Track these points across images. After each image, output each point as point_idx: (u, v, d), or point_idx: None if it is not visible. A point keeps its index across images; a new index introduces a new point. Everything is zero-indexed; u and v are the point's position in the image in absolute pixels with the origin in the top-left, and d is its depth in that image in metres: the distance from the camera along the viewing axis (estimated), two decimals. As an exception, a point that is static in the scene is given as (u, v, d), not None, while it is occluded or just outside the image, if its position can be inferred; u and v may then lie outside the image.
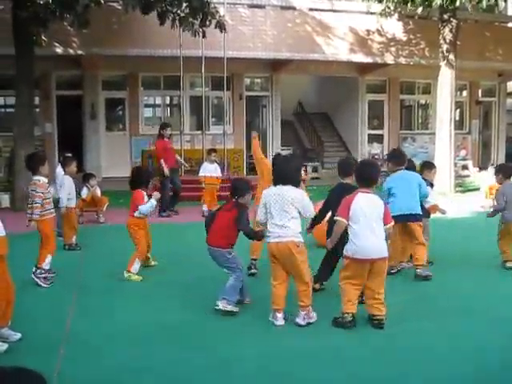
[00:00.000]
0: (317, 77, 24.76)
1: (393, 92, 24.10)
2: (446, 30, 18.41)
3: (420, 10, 18.37)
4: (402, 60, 21.43)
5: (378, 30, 20.78)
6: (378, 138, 24.24)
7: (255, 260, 8.13)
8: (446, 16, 18.34)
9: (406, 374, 4.86)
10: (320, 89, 26.21)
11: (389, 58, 21.27)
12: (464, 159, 24.08)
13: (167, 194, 14.23)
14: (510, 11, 23.80)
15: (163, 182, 14.15)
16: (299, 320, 5.98)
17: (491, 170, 16.07)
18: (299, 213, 5.98)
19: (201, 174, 14.16)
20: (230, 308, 6.31)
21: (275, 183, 6.10)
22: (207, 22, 15.60)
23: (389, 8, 19.05)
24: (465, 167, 23.86)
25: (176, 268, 8.63)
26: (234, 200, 6.67)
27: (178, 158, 15.53)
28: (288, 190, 5.97)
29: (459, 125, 24.31)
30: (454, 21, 18.35)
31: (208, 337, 5.74)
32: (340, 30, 20.48)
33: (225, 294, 6.37)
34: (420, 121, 25.64)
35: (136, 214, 8.25)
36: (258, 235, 6.61)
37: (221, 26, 15.97)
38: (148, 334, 5.83)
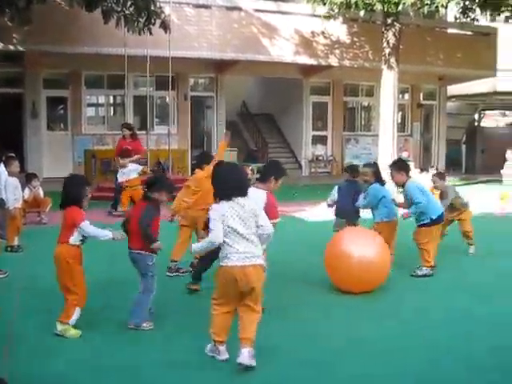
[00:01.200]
0: (262, 78, 24.82)
1: (337, 94, 24.38)
2: (389, 33, 18.67)
3: (362, 13, 18.62)
4: (346, 62, 21.70)
5: (322, 33, 20.98)
6: (322, 140, 24.49)
7: (175, 262, 8.05)
8: (389, 20, 18.60)
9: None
10: (265, 90, 26.28)
11: (333, 61, 21.50)
12: (406, 161, 24.44)
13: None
14: (450, 17, 24.27)
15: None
16: (250, 360, 4.91)
17: (432, 172, 16.38)
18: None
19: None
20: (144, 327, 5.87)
21: (231, 195, 5.03)
22: (152, 21, 15.44)
23: (333, 11, 19.22)
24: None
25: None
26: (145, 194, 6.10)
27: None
28: (249, 202, 5.11)
29: (401, 127, 24.78)
30: (397, 25, 18.62)
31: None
32: (285, 31, 20.57)
33: (134, 315, 5.91)
34: (363, 123, 25.99)
35: (72, 239, 5.76)
36: (151, 240, 5.83)
37: (165, 26, 15.84)
38: (98, 331, 5.73)
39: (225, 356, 5.11)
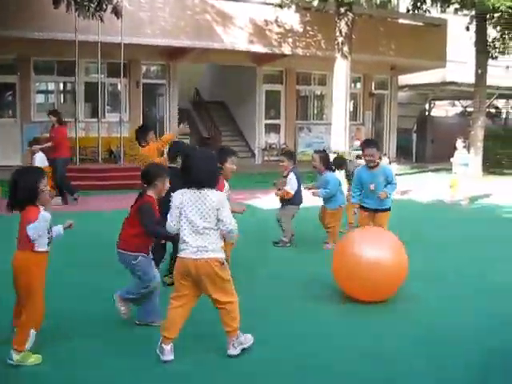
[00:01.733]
0: (215, 65, 24.76)
1: (289, 82, 24.43)
2: (342, 23, 18.77)
3: (316, 2, 18.69)
4: (299, 51, 21.76)
5: (275, 21, 20.98)
6: (275, 128, 24.51)
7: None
8: (342, 10, 18.69)
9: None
10: (218, 78, 26.19)
11: (286, 49, 21.54)
12: (358, 149, 24.68)
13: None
14: (402, 8, 24.58)
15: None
16: (232, 351, 5.01)
17: (385, 160, 16.55)
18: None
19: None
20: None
21: (198, 185, 4.88)
22: (103, 7, 15.20)
23: (286, 0, 19.30)
24: (359, 157, 24.47)
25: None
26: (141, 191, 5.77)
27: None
28: (213, 195, 4.91)
29: (353, 116, 24.96)
30: (350, 15, 18.74)
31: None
32: (239, 19, 20.50)
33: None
34: (316, 111, 26.12)
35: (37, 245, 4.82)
36: (169, 236, 5.46)
37: (117, 12, 15.61)
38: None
39: (168, 357, 4.90)
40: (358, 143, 24.65)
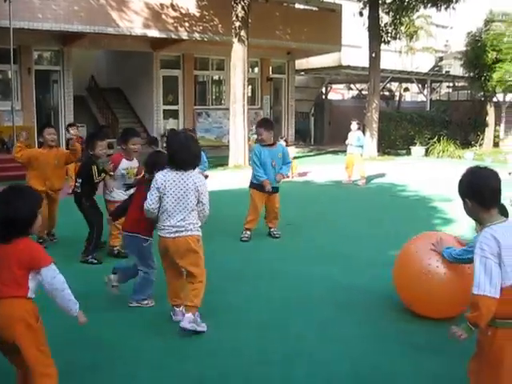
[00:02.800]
0: (111, 51, 24.24)
1: (187, 68, 24.24)
2: (239, 7, 18.83)
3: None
4: (196, 36, 21.61)
5: (172, 6, 20.75)
6: (174, 114, 24.30)
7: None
8: (238, -6, 18.75)
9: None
10: (114, 64, 25.68)
11: (183, 34, 21.33)
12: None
13: None
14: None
15: None
16: (185, 324, 5.10)
17: (282, 143, 16.76)
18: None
19: None
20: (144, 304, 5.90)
21: (180, 166, 5.11)
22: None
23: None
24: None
25: None
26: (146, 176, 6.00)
27: None
28: (194, 177, 5.15)
29: (252, 100, 25.12)
30: (246, -1, 18.82)
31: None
32: (135, 3, 20.11)
33: (135, 293, 5.90)
34: (214, 96, 26.09)
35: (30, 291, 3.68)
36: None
37: (5, -6, 15.02)
38: None
39: (179, 317, 5.28)
40: (257, 127, 24.98)
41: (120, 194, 7.58)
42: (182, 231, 5.14)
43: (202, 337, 5.14)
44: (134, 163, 7.78)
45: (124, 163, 7.65)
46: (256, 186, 8.64)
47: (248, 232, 8.74)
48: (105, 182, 7.72)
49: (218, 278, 6.32)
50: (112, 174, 7.61)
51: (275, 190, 8.74)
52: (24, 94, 20.49)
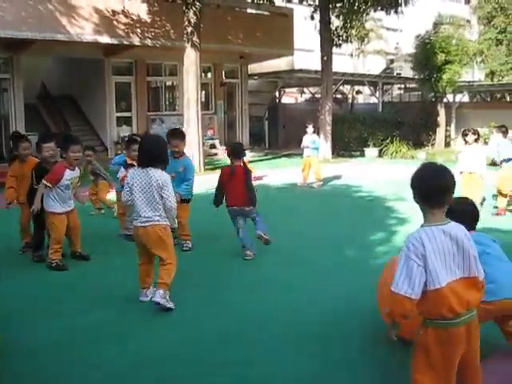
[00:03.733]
0: (61, 58, 23.93)
1: (140, 74, 24.12)
2: (190, 13, 18.78)
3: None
4: (148, 42, 21.49)
5: (123, 12, 20.59)
6: (127, 121, 24.14)
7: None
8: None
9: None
10: (65, 70, 25.37)
11: (135, 40, 21.19)
12: (211, 139, 24.94)
13: None
14: (248, -2, 25.00)
15: None
16: (157, 298, 5.73)
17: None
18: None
19: None
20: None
21: (146, 164, 5.91)
22: None
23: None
24: (213, 146, 24.74)
25: None
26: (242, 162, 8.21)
27: None
28: (158, 174, 5.89)
29: (205, 105, 25.10)
30: (198, 4, 18.79)
31: None
32: (85, 9, 19.87)
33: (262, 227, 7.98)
34: (168, 102, 25.99)
35: None
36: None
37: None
38: None
39: (145, 298, 6.12)
40: (210, 132, 25.04)
41: (61, 207, 7.58)
42: (150, 221, 5.87)
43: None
44: (76, 172, 7.74)
45: (68, 174, 7.52)
46: None
47: None
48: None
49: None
50: (50, 185, 7.38)
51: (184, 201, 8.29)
52: (-27, 103, 20.11)
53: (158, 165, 5.90)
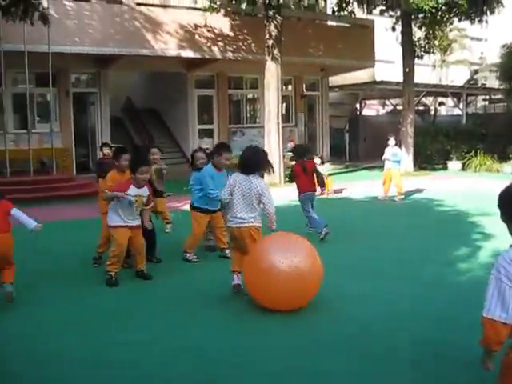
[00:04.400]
0: (146, 73, 24.57)
1: (221, 87, 24.45)
2: (272, 26, 18.96)
3: (244, 6, 18.81)
4: (230, 55, 21.80)
5: (205, 26, 20.96)
6: (209, 133, 24.48)
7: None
8: (270, 13, 18.87)
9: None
10: (149, 85, 26.03)
11: (217, 53, 21.54)
12: (292, 151, 24.93)
13: None
14: (329, 10, 24.94)
15: None
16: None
17: (317, 161, 16.78)
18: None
19: None
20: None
21: (247, 172, 6.64)
22: (29, 14, 14.90)
23: (215, 4, 19.38)
24: (293, 158, 24.72)
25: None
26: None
27: None
28: (258, 182, 6.61)
29: (286, 118, 25.19)
30: (279, 18, 18.94)
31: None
32: (169, 25, 20.41)
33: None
34: (248, 115, 26.21)
35: None
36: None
37: (44, 19, 15.33)
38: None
39: (235, 281, 6.85)
40: (291, 144, 25.06)
41: (123, 221, 7.39)
42: (244, 222, 6.60)
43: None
44: (144, 191, 7.48)
45: (132, 189, 7.30)
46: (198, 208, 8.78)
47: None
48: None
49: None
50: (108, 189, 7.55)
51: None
52: (62, 116, 20.90)
53: (257, 172, 6.70)
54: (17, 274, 6.58)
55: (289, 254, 6.03)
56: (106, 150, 14.38)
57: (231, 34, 21.72)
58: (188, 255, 8.61)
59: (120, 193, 7.19)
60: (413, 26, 23.31)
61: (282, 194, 13.53)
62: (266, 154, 7.15)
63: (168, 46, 20.47)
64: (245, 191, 6.56)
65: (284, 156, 20.93)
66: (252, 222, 6.59)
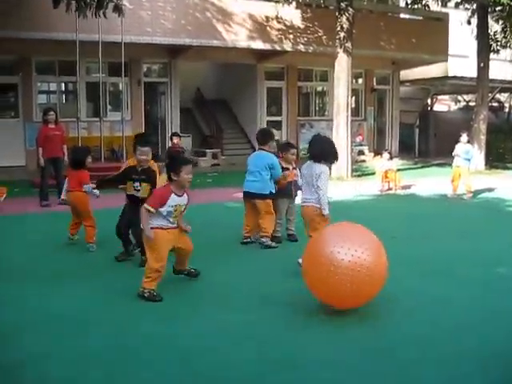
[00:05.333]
0: (216, 63, 24.71)
1: (291, 79, 24.39)
2: (343, 18, 18.74)
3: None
4: (300, 47, 21.72)
5: (276, 18, 20.93)
6: (277, 125, 24.44)
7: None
8: (342, 5, 18.68)
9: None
10: (219, 76, 26.18)
11: (287, 46, 21.50)
12: (360, 145, 24.75)
13: (45, 184, 13.57)
14: (402, 2, 24.55)
15: (41, 172, 13.59)
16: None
17: (385, 155, 16.58)
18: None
19: None
20: None
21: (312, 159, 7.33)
22: (104, 6, 15.16)
23: (287, -5, 19.37)
24: (361, 152, 24.53)
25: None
26: None
27: (65, 147, 13.66)
28: (316, 166, 7.22)
29: (355, 111, 24.95)
30: (351, 10, 18.72)
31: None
32: (239, 16, 20.48)
33: None
34: (317, 108, 26.09)
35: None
36: None
37: (118, 10, 15.58)
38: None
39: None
40: (359, 138, 24.83)
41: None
42: (306, 202, 7.34)
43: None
44: (184, 199, 6.49)
45: (173, 199, 6.33)
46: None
47: None
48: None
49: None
50: (153, 211, 6.23)
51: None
52: (133, 105, 21.28)
53: (324, 160, 7.26)
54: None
55: (351, 245, 5.53)
56: (176, 139, 14.69)
57: (302, 26, 21.62)
58: (266, 240, 8.89)
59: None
60: (489, 19, 22.68)
61: (348, 188, 13.38)
62: (331, 142, 7.64)
63: (239, 37, 20.53)
64: (306, 176, 7.31)
65: (352, 150, 20.72)
66: (313, 203, 7.20)
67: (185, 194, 6.45)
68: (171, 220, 6.32)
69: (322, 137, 7.69)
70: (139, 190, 7.63)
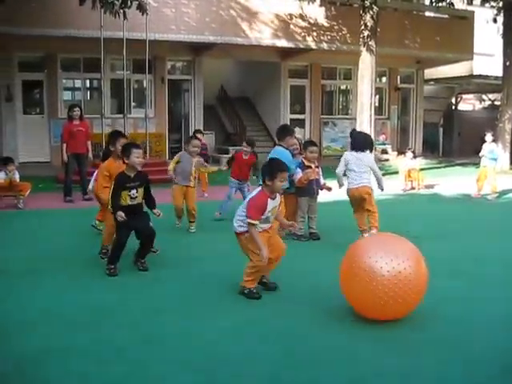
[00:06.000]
0: (239, 61, 24.75)
1: (314, 77, 24.36)
2: (367, 16, 18.65)
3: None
4: (324, 45, 21.68)
5: (300, 16, 20.92)
6: (300, 123, 24.41)
7: None
8: (367, 3, 18.59)
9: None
10: (242, 73, 26.21)
11: (311, 43, 21.46)
12: (383, 144, 24.61)
13: (69, 180, 13.67)
14: (427, 1, 24.40)
15: (65, 167, 13.73)
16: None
17: (409, 154, 16.50)
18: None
19: None
20: None
21: (357, 149, 8.84)
22: (128, 3, 15.25)
23: (311, -7, 19.32)
24: (384, 151, 24.40)
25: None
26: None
27: (89, 143, 13.85)
28: (366, 156, 8.86)
29: (379, 110, 24.83)
30: (375, 8, 18.62)
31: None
32: (264, 14, 20.49)
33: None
34: (341, 106, 26.01)
35: None
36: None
37: (142, 8, 15.66)
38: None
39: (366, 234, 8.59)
40: (383, 137, 24.71)
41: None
42: (362, 183, 8.72)
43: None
44: (277, 200, 6.32)
45: (270, 204, 6.15)
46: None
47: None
48: None
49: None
50: (257, 223, 6.04)
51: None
52: (157, 103, 21.40)
53: (366, 150, 8.89)
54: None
55: (392, 257, 5.27)
56: (199, 136, 14.73)
57: (326, 24, 21.57)
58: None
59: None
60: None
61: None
62: (369, 135, 9.85)
63: (262, 35, 20.54)
64: (358, 164, 8.71)
65: (375, 149, 20.61)
66: (366, 184, 8.68)
67: (277, 195, 6.26)
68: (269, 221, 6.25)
69: (361, 131, 9.93)
70: (136, 197, 7.00)
